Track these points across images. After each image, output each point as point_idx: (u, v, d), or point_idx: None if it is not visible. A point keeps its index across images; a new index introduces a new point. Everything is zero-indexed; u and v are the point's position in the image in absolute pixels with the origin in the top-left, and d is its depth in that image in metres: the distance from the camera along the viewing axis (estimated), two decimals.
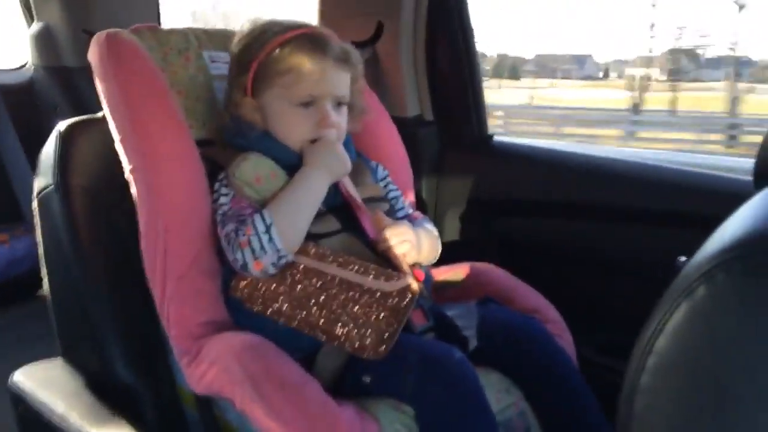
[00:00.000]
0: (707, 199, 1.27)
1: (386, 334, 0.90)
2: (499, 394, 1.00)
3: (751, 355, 0.41)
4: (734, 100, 13.28)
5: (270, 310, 0.96)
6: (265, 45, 1.03)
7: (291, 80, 1.02)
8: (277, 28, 1.05)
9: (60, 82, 2.44)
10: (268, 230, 0.94)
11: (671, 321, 0.45)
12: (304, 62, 1.01)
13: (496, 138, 1.67)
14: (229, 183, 1.01)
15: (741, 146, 9.55)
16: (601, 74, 29.35)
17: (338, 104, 1.06)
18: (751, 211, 0.48)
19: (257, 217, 0.95)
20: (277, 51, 1.02)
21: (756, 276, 0.42)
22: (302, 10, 1.74)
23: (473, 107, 1.66)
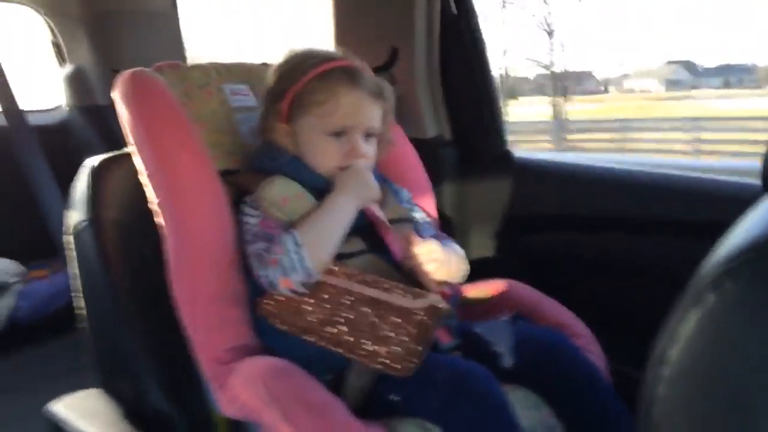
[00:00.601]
0: (729, 203, 1.25)
1: (414, 352, 0.91)
2: (527, 410, 0.99)
3: (763, 361, 0.41)
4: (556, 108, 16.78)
5: (297, 328, 0.98)
6: (303, 74, 1.07)
7: (326, 111, 1.05)
8: (315, 59, 1.08)
9: (93, 121, 2.52)
10: (298, 250, 0.96)
11: (682, 330, 0.45)
12: (340, 94, 1.04)
13: (516, 153, 1.67)
14: (257, 204, 1.03)
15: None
16: (602, 88, 29.78)
17: (368, 135, 1.09)
18: (757, 216, 0.48)
19: (288, 237, 0.97)
20: (315, 82, 1.06)
21: (764, 281, 0.42)
22: (318, 36, 1.78)
23: (490, 124, 1.67)
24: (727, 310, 0.43)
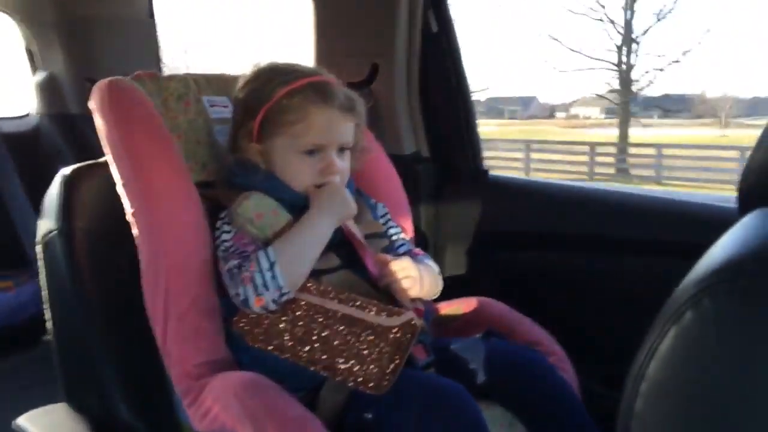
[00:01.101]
0: (704, 226, 1.28)
1: (388, 369, 0.91)
2: (502, 428, 0.99)
3: (740, 377, 0.41)
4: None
5: (271, 346, 0.97)
6: (272, 93, 1.05)
7: (298, 130, 1.04)
8: (284, 76, 1.07)
9: (64, 129, 2.49)
10: (271, 267, 0.95)
11: (661, 346, 0.45)
12: (311, 113, 1.04)
13: (491, 173, 1.69)
14: (232, 220, 1.02)
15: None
16: (547, 114, 31.63)
17: (343, 149, 1.09)
18: (733, 237, 0.49)
19: (261, 254, 0.97)
20: (285, 100, 1.04)
21: (740, 299, 0.42)
22: (297, 51, 1.78)
23: (468, 143, 1.69)
24: (705, 327, 0.43)
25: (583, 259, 1.48)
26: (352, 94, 1.10)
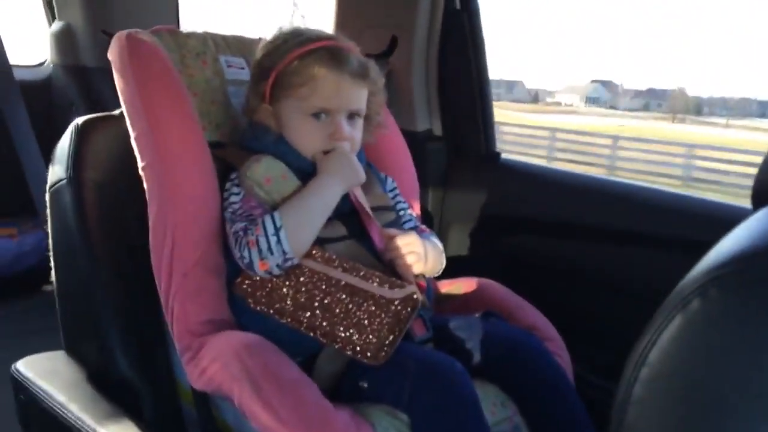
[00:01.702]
0: (709, 224, 1.28)
1: (387, 341, 0.91)
2: (494, 407, 1.00)
3: (743, 368, 0.42)
4: None
5: (272, 309, 0.97)
6: (285, 55, 1.05)
7: (306, 92, 1.04)
8: (298, 38, 1.06)
9: (77, 81, 2.47)
10: (276, 232, 0.95)
11: (665, 333, 0.45)
12: (320, 75, 1.03)
13: (504, 156, 1.68)
14: (241, 183, 1.02)
15: None
16: (530, 99, 32.39)
17: (354, 116, 1.08)
18: (746, 229, 0.49)
19: (267, 219, 0.97)
20: (296, 62, 1.04)
21: (749, 291, 0.42)
22: (319, 20, 1.77)
23: (482, 124, 1.68)
24: (711, 317, 0.43)
25: (588, 248, 1.48)
26: (368, 62, 1.09)
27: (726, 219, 1.32)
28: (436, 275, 1.18)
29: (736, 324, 0.42)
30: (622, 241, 1.43)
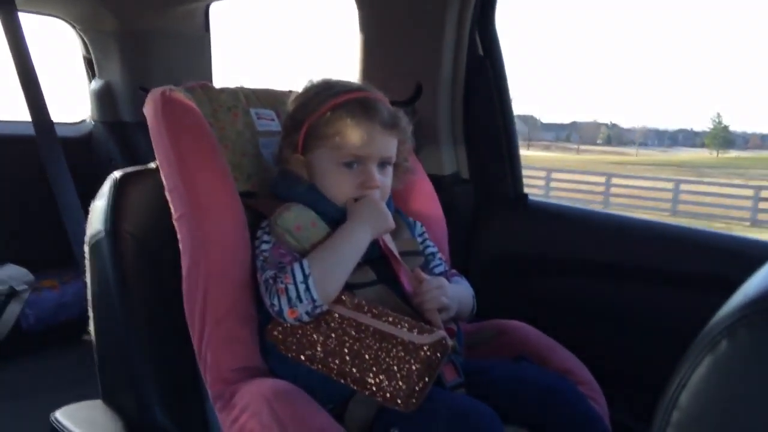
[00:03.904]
0: (741, 260, 1.25)
1: (418, 387, 0.91)
2: None
3: None
4: None
5: (303, 356, 0.98)
6: (317, 107, 1.08)
7: (338, 142, 1.06)
8: (331, 90, 1.10)
9: (117, 136, 2.57)
10: (305, 280, 0.96)
11: (694, 375, 0.45)
12: (353, 127, 1.05)
13: (531, 197, 1.68)
14: (271, 231, 1.04)
15: None
16: None
17: (384, 164, 1.10)
18: None
19: (296, 266, 0.98)
20: (329, 114, 1.07)
21: None
22: (344, 70, 1.81)
23: (509, 166, 1.68)
24: (740, 358, 0.43)
25: (620, 288, 1.46)
26: (398, 112, 1.12)
27: (757, 256, 1.31)
28: (468, 320, 1.17)
29: (765, 364, 0.42)
30: (654, 280, 1.41)
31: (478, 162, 1.71)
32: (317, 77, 1.15)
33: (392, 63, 1.70)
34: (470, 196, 1.72)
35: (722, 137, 62.32)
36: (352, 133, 1.05)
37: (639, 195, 15.52)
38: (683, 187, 15.84)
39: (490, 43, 1.65)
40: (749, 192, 14.96)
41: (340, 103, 1.07)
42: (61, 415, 1.16)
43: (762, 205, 14.21)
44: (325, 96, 1.09)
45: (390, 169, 1.12)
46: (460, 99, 1.67)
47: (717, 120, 64.87)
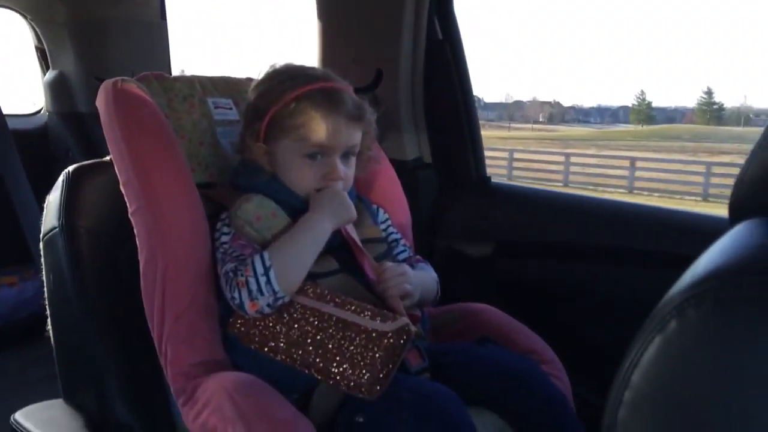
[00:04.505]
0: (699, 237, 1.29)
1: (381, 374, 0.91)
2: None
3: (722, 388, 0.41)
4: None
5: (266, 348, 0.97)
6: (280, 96, 1.06)
7: (302, 134, 1.04)
8: (294, 80, 1.07)
9: (73, 128, 2.51)
10: (266, 272, 0.95)
11: (645, 355, 0.45)
12: (317, 118, 1.04)
13: (494, 180, 1.69)
14: (231, 222, 1.03)
15: None
16: None
17: (348, 155, 1.09)
18: (721, 246, 0.49)
19: (257, 259, 0.97)
20: (293, 105, 1.05)
21: (725, 310, 0.42)
22: (303, 55, 1.80)
23: (471, 150, 1.69)
24: (689, 337, 0.43)
25: (582, 268, 1.48)
26: (362, 103, 1.10)
27: (717, 230, 1.34)
28: (432, 305, 1.17)
29: (713, 344, 0.42)
30: (615, 259, 1.43)
31: (441, 146, 1.72)
32: (280, 63, 1.13)
33: (352, 49, 1.68)
34: (433, 180, 1.72)
35: (645, 113, 64.96)
36: (317, 126, 1.04)
37: (537, 168, 17.58)
38: (573, 159, 18.00)
39: (449, 27, 1.65)
40: (625, 162, 17.10)
41: (304, 93, 1.05)
42: (21, 417, 1.14)
43: (638, 173, 15.92)
44: (288, 85, 1.06)
45: (353, 160, 1.11)
46: (420, 84, 1.67)
47: (641, 97, 67.89)
